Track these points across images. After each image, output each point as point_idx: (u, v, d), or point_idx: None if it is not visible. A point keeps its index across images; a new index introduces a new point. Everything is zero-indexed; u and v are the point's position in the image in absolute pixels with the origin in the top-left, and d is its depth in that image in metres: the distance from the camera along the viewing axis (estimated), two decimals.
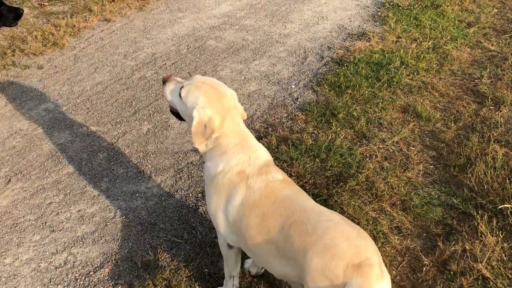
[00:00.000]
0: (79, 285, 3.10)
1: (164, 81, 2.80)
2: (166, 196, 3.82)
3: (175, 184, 3.94)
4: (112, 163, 4.16)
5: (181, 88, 2.65)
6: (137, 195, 3.83)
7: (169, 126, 4.63)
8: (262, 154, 2.62)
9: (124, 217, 3.62)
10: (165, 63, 5.77)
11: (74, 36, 6.36)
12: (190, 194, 3.82)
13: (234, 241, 2.62)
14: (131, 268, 3.19)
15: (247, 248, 2.55)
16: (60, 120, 4.69)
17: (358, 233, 2.20)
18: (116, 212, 3.66)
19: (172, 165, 4.15)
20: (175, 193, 3.85)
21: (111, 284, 3.09)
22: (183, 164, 4.15)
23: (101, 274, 3.16)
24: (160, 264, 3.21)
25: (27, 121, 4.65)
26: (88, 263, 3.25)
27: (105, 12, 6.98)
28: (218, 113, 2.53)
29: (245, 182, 2.48)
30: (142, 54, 6.00)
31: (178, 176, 4.02)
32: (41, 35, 6.19)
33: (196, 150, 4.22)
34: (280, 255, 2.33)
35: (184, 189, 3.88)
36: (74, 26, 6.50)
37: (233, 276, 2.86)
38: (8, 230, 3.49)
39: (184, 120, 2.77)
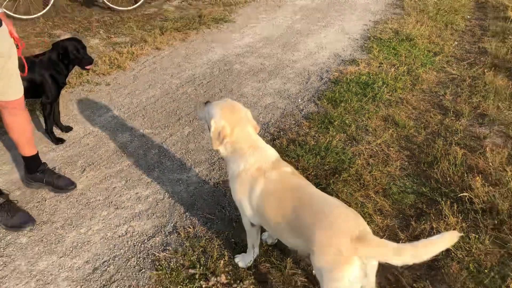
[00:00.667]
0: (136, 250, 3.10)
1: (205, 103, 2.81)
2: (202, 183, 3.82)
3: (209, 174, 3.94)
4: (161, 157, 4.17)
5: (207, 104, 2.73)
6: (180, 182, 3.83)
7: (205, 129, 4.57)
8: (271, 152, 2.61)
9: (170, 198, 3.62)
10: (202, 82, 5.78)
11: (133, 60, 6.39)
12: (221, 182, 3.82)
13: (256, 221, 2.61)
14: (176, 238, 3.20)
15: (267, 225, 2.54)
16: (122, 124, 4.72)
17: (354, 213, 2.19)
18: (165, 194, 3.67)
19: (207, 159, 4.15)
20: (209, 180, 3.85)
21: (160, 249, 3.09)
22: (215, 159, 4.15)
23: (153, 242, 3.17)
24: (198, 235, 3.21)
25: (97, 125, 4.68)
26: (143, 234, 3.26)
27: (157, 43, 7.00)
28: (230, 124, 2.54)
29: (263, 175, 2.47)
30: (185, 74, 6.01)
31: (211, 168, 4.02)
32: (108, 60, 6.22)
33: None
34: (293, 230, 2.31)
35: (216, 178, 3.88)
36: (133, 53, 6.53)
37: (254, 246, 2.85)
38: (83, 207, 3.51)
39: None
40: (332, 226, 2.09)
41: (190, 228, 3.27)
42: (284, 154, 4.05)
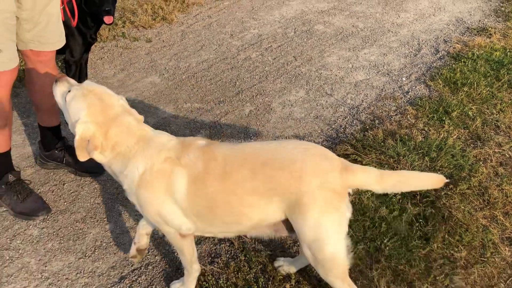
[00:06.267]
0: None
1: (56, 80, 2.73)
2: None
3: None
4: (212, 139, 4.24)
5: (68, 92, 2.62)
6: None
7: (271, 109, 4.67)
8: (168, 136, 2.62)
9: None
10: (271, 45, 5.82)
11: (182, 11, 6.54)
12: None
13: (190, 227, 2.58)
14: (228, 248, 3.22)
15: (212, 220, 2.54)
16: (165, 94, 4.86)
17: (322, 148, 2.54)
18: None
19: None
20: None
21: (207, 261, 3.13)
22: None
23: (198, 251, 3.22)
24: (257, 247, 3.23)
25: (133, 92, 4.85)
26: None
27: None
28: (101, 127, 2.49)
29: (178, 164, 2.47)
30: (248, 34, 6.08)
31: None
32: (151, 9, 6.41)
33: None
34: (263, 197, 2.40)
35: None
36: (184, 1, 6.69)
37: (193, 262, 2.80)
38: (111, 197, 3.63)
39: None
40: (319, 168, 2.39)
41: (247, 237, 3.31)
42: (378, 151, 4.02)
